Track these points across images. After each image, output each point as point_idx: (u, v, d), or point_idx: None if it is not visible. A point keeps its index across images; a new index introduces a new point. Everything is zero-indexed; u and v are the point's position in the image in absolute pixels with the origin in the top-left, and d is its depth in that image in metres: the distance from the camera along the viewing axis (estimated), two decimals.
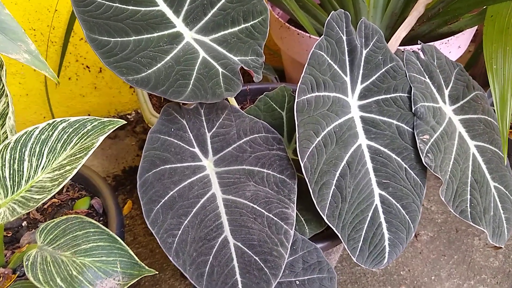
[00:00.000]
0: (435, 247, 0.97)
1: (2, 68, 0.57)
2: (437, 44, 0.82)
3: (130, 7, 0.54)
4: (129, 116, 1.30)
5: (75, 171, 0.46)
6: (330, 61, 0.55)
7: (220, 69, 0.54)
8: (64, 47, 1.10)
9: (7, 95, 0.57)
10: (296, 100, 0.51)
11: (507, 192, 0.64)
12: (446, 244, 0.98)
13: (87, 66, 1.19)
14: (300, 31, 0.86)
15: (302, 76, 0.52)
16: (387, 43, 0.88)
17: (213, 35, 0.57)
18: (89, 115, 1.29)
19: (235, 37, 0.57)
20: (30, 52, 0.50)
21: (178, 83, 0.51)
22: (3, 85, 0.57)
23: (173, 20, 0.56)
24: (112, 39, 0.51)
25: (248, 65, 0.55)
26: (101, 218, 0.69)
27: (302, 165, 0.51)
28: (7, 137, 0.57)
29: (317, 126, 0.53)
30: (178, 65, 0.53)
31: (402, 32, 0.71)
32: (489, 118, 0.66)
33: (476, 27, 0.87)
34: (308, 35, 0.85)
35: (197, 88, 0.52)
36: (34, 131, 0.51)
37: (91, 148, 0.47)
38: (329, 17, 0.55)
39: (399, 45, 0.73)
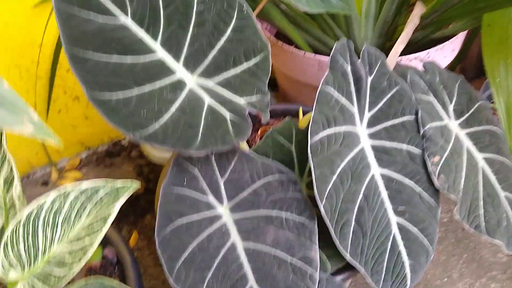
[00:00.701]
0: (444, 248, 0.97)
1: (2, 135, 0.55)
2: (432, 51, 0.82)
3: (129, 59, 0.52)
4: (123, 142, 1.28)
5: (95, 245, 0.45)
6: (337, 94, 0.54)
7: (228, 114, 0.53)
8: (51, 81, 1.08)
9: (9, 161, 0.56)
10: (309, 143, 0.50)
11: None
12: (454, 243, 0.99)
13: (76, 97, 1.17)
14: (294, 49, 0.85)
15: (312, 116, 0.52)
16: (382, 51, 0.88)
17: (216, 78, 0.55)
18: (82, 145, 1.27)
19: (239, 78, 0.55)
20: (33, 122, 0.48)
21: (187, 134, 0.50)
22: (4, 151, 0.55)
23: (173, 66, 0.54)
24: (114, 95, 0.49)
25: (255, 106, 0.54)
26: (115, 269, 0.68)
27: (321, 207, 0.50)
28: (13, 203, 0.56)
29: (332, 165, 0.52)
30: (184, 115, 0.51)
31: (399, 46, 0.71)
32: (494, 128, 0.66)
33: None
34: (303, 52, 0.84)
35: (206, 137, 0.51)
36: (45, 203, 0.50)
37: (108, 218, 0.46)
38: (333, 50, 0.54)
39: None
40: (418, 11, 0.73)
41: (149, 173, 1.22)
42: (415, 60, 0.81)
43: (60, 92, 1.13)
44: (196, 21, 0.55)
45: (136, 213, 1.12)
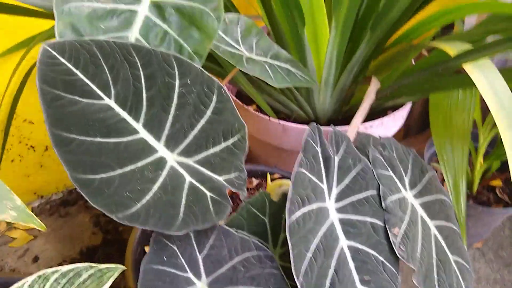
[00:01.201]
0: None
1: None
2: (385, 118, 0.89)
3: (112, 140, 0.54)
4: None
5: None
6: (309, 175, 0.59)
7: (208, 193, 0.56)
8: (7, 130, 1.05)
9: None
10: (287, 223, 0.54)
11: (463, 263, 0.72)
12: None
13: (31, 146, 1.14)
14: (259, 115, 0.89)
15: (289, 197, 0.55)
16: (339, 114, 0.95)
17: (196, 157, 0.58)
18: (35, 194, 1.22)
19: (218, 157, 0.58)
20: (16, 208, 0.48)
21: (168, 213, 0.52)
22: None
23: (154, 145, 0.56)
24: (98, 177, 0.51)
25: (233, 184, 0.57)
26: None
27: (298, 285, 0.53)
28: None
29: (307, 243, 0.56)
30: (166, 194, 0.53)
31: (358, 119, 0.77)
32: (443, 197, 0.74)
33: None
34: (268, 118, 0.88)
35: (187, 216, 0.53)
36: (23, 287, 0.49)
37: None
38: (305, 136, 0.59)
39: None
40: (374, 87, 0.80)
41: (107, 224, 1.20)
42: (371, 128, 0.88)
43: (15, 142, 1.10)
44: (177, 103, 0.57)
45: None
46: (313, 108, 0.97)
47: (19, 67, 0.96)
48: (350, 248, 0.61)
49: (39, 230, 1.18)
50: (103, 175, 0.51)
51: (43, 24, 0.91)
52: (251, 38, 0.84)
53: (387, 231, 0.64)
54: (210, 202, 0.55)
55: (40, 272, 0.50)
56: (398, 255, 0.63)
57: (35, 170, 1.18)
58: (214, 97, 0.59)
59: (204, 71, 0.60)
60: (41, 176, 1.20)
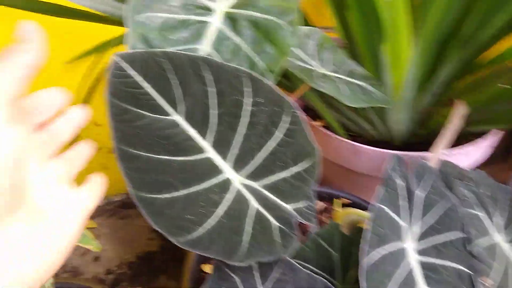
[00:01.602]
0: None
1: None
2: (471, 147, 0.81)
3: (179, 159, 0.50)
4: None
5: None
6: (389, 211, 0.53)
7: (275, 223, 0.51)
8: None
9: None
10: (362, 266, 0.49)
11: None
12: None
13: (98, 148, 1.15)
14: (329, 133, 0.84)
15: (366, 236, 0.50)
16: (415, 138, 0.87)
17: (264, 181, 0.54)
18: None
19: (287, 183, 0.54)
20: None
21: (231, 241, 0.48)
22: None
23: (221, 166, 0.53)
24: (160, 196, 0.48)
25: (302, 213, 0.53)
26: None
27: None
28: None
29: None
30: (230, 220, 0.50)
31: (441, 146, 0.70)
32: None
33: None
34: (339, 138, 0.83)
35: (252, 246, 0.49)
36: None
37: None
38: (387, 167, 0.53)
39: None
40: (460, 111, 0.72)
41: None
42: (454, 156, 0.80)
43: None
44: (247, 123, 0.53)
45: (150, 272, 1.09)
46: (388, 129, 0.90)
47: (90, 71, 0.97)
48: None
49: (100, 230, 1.20)
50: (167, 195, 0.48)
51: (114, 30, 0.91)
52: (324, 53, 0.79)
53: (473, 281, 0.57)
54: (277, 233, 0.51)
55: None
56: None
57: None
58: (286, 118, 0.54)
59: (276, 89, 0.56)
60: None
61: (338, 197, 0.81)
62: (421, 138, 0.91)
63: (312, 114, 0.95)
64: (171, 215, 0.47)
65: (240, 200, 0.52)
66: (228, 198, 0.51)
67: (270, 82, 0.56)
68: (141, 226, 1.21)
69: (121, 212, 1.25)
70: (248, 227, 0.50)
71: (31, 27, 0.34)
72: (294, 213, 0.53)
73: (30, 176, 0.34)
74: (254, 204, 0.52)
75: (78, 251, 1.14)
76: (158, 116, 0.50)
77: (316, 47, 0.79)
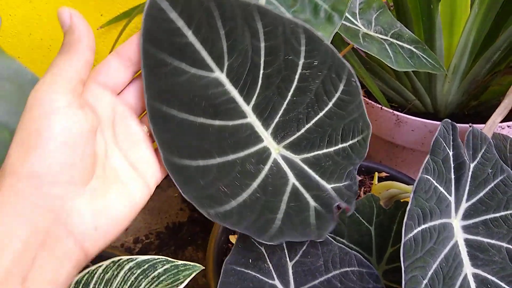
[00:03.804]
0: None
1: None
2: None
3: (217, 123, 0.43)
4: None
5: None
6: (436, 184, 0.47)
7: (312, 203, 0.45)
8: None
9: None
10: (402, 241, 0.43)
11: None
12: None
13: None
14: (370, 101, 0.77)
15: (408, 209, 0.44)
16: (466, 110, 0.80)
17: (305, 155, 0.47)
18: None
19: (330, 159, 0.47)
20: None
21: (264, 218, 0.42)
22: None
23: (261, 133, 0.46)
24: (194, 163, 0.41)
25: (342, 195, 0.46)
26: None
27: None
28: None
29: (424, 268, 0.45)
30: (265, 194, 0.43)
31: (497, 117, 0.62)
32: None
33: None
34: (380, 106, 0.76)
35: (284, 225, 0.43)
36: (97, 270, 0.45)
37: None
38: (436, 134, 0.47)
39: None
40: None
41: None
42: (509, 128, 0.72)
43: None
44: (296, 88, 0.46)
45: (178, 243, 1.07)
46: (434, 99, 0.83)
47: (120, 38, 0.95)
48: (476, 277, 0.49)
49: None
50: (201, 163, 0.41)
51: None
52: (370, 12, 0.72)
53: None
54: (312, 213, 0.45)
55: (116, 258, 0.46)
56: None
57: None
58: (341, 86, 0.47)
59: (336, 52, 0.47)
60: None
61: (377, 170, 0.75)
62: (472, 110, 0.83)
63: None
64: (203, 184, 0.40)
65: (278, 174, 0.45)
66: (265, 169, 0.45)
67: (338, 22, 0.50)
68: (172, 196, 1.19)
69: None
70: (283, 205, 0.44)
71: (77, 17, 0.35)
72: (334, 193, 0.47)
73: (99, 146, 0.36)
74: (291, 179, 0.46)
75: None
76: (200, 72, 0.42)
77: (362, 6, 0.72)
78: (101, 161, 0.35)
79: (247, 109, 0.45)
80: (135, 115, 0.40)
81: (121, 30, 0.94)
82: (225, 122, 0.43)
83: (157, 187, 1.22)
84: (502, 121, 0.71)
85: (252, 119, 0.45)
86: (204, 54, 0.41)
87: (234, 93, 0.44)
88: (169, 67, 0.40)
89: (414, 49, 0.68)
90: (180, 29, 0.40)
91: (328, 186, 0.46)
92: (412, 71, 0.80)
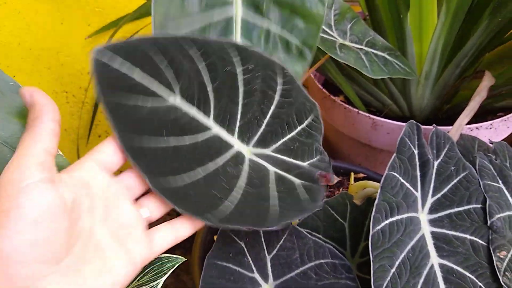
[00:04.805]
0: None
1: None
2: (496, 121, 0.77)
3: (187, 139, 0.46)
4: None
5: None
6: (402, 180, 0.51)
7: (297, 181, 0.49)
8: (95, 107, 1.08)
9: None
10: (371, 233, 0.47)
11: None
12: None
13: None
14: (347, 106, 0.81)
15: (376, 203, 0.48)
16: (439, 113, 0.84)
17: (273, 146, 0.52)
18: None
19: (296, 142, 0.52)
20: None
21: (260, 208, 0.45)
22: None
23: (229, 140, 0.50)
24: (180, 180, 0.44)
25: (318, 167, 0.51)
26: None
27: None
28: None
29: (391, 258, 0.48)
30: (253, 187, 0.47)
31: (464, 119, 0.66)
32: None
33: None
34: (356, 110, 0.80)
35: (281, 208, 0.46)
36: None
37: None
38: (402, 134, 0.51)
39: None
40: (487, 83, 0.68)
41: None
42: (477, 130, 0.76)
43: (102, 118, 1.13)
44: (244, 91, 0.51)
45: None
46: (409, 104, 0.87)
47: None
48: (442, 267, 0.53)
49: None
50: (186, 178, 0.44)
51: (131, 5, 0.91)
52: (345, 23, 0.76)
53: (490, 254, 0.54)
54: (301, 189, 0.49)
55: None
56: (502, 283, 0.53)
57: None
58: (280, 79, 0.52)
59: (264, 54, 0.53)
60: None
61: (354, 172, 0.78)
62: (445, 114, 0.87)
63: (332, 89, 0.92)
64: (195, 196, 0.44)
65: (257, 168, 0.49)
66: (245, 169, 0.49)
67: (257, 48, 0.54)
68: None
69: None
70: (273, 192, 0.48)
71: (38, 94, 0.36)
72: (312, 167, 0.51)
73: (82, 221, 0.35)
74: (271, 168, 0.50)
75: None
76: (156, 103, 0.45)
77: (337, 17, 0.77)
78: (84, 237, 0.34)
79: (209, 122, 0.48)
80: (130, 196, 0.40)
81: (108, 40, 0.97)
82: (194, 138, 0.47)
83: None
84: (470, 123, 0.75)
85: (216, 129, 0.49)
86: (155, 86, 0.45)
87: (193, 111, 0.47)
88: (127, 106, 0.43)
89: (387, 56, 0.72)
90: (126, 74, 0.43)
91: (305, 164, 0.50)
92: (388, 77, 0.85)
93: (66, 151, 1.10)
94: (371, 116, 0.79)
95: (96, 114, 1.09)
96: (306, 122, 0.53)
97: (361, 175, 0.78)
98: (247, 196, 0.46)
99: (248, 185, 0.47)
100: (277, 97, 0.52)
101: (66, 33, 0.95)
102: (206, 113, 0.49)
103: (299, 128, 0.53)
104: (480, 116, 0.80)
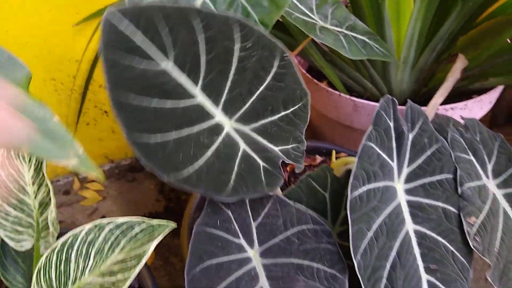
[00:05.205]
0: None
1: (42, 159, 0.56)
2: (470, 102, 0.81)
3: (169, 103, 0.51)
4: None
5: (128, 282, 0.45)
6: (379, 150, 0.54)
7: (261, 163, 0.53)
8: (84, 95, 1.09)
9: (47, 185, 0.56)
10: (349, 198, 0.50)
11: None
12: None
13: (105, 112, 1.18)
14: (329, 89, 0.85)
15: (353, 171, 0.51)
16: (417, 96, 0.88)
17: (253, 125, 0.55)
18: (106, 157, 1.28)
19: (276, 126, 0.55)
20: (78, 156, 0.49)
21: (219, 180, 0.50)
22: (44, 175, 0.56)
23: (212, 111, 0.54)
24: (153, 138, 0.49)
25: (289, 155, 0.54)
26: None
27: (355, 263, 0.50)
28: (46, 226, 0.56)
29: (369, 221, 0.52)
30: (219, 160, 0.51)
31: (439, 98, 0.70)
32: None
33: None
34: (338, 93, 0.84)
35: (238, 184, 0.50)
36: (81, 233, 0.50)
37: (143, 257, 0.46)
38: (378, 107, 0.54)
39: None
40: (460, 65, 0.72)
41: (170, 192, 1.23)
42: (452, 110, 0.80)
43: (91, 106, 1.15)
44: (236, 68, 0.54)
45: None
46: (389, 87, 0.91)
47: (96, 34, 0.99)
48: (417, 232, 0.56)
49: (108, 192, 1.23)
50: (159, 138, 0.49)
51: None
52: (326, 8, 0.79)
53: (461, 220, 0.58)
54: (262, 172, 0.52)
55: (97, 222, 0.51)
56: (472, 247, 0.57)
57: (107, 134, 1.23)
58: (276, 62, 0.55)
59: (267, 34, 0.56)
60: (113, 141, 1.24)
61: (337, 151, 0.82)
62: (423, 97, 0.91)
63: (316, 75, 0.95)
64: (163, 156, 0.48)
65: (229, 143, 0.53)
66: (218, 141, 0.52)
67: (260, 27, 0.57)
68: (148, 188, 1.24)
69: (128, 175, 1.28)
70: (235, 168, 0.51)
71: None
72: (281, 154, 0.54)
73: None
74: (242, 146, 0.53)
75: (86, 212, 1.18)
76: (149, 65, 0.50)
77: (319, 2, 0.80)
78: None
79: (196, 90, 0.52)
80: None
81: (96, 27, 0.99)
82: (176, 103, 0.51)
83: (134, 180, 1.30)
84: (446, 103, 0.79)
85: (201, 99, 0.52)
86: (151, 51, 0.49)
87: (183, 78, 0.51)
88: (124, 63, 0.48)
89: (367, 40, 0.76)
90: (128, 36, 0.48)
91: (276, 149, 0.54)
92: (368, 61, 0.88)
93: None
94: (352, 98, 0.83)
95: (84, 102, 1.11)
96: (291, 109, 0.56)
97: (343, 154, 0.82)
98: (210, 166, 0.50)
99: (215, 156, 0.51)
100: (268, 79, 0.55)
101: (54, 21, 0.96)
102: (195, 81, 0.52)
103: (282, 113, 0.56)
104: (457, 98, 0.84)
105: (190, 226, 0.78)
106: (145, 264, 0.69)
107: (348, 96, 0.83)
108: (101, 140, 1.23)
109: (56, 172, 1.22)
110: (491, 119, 1.26)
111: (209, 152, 0.51)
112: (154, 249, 1.09)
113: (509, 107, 1.24)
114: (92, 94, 1.13)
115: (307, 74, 0.90)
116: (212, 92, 0.53)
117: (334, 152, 0.72)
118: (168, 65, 0.51)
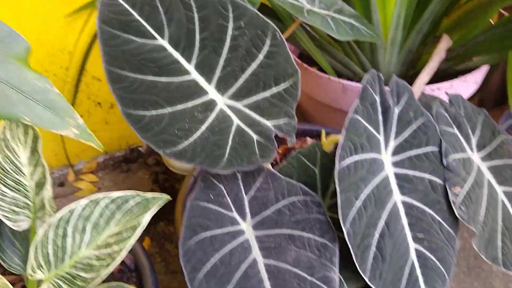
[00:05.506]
0: (455, 275, 0.98)
1: (38, 140, 0.57)
2: (455, 82, 0.83)
3: (164, 79, 0.54)
4: (140, 149, 1.30)
5: (124, 252, 0.47)
6: (365, 123, 0.56)
7: (255, 137, 0.55)
8: (77, 87, 1.10)
9: (43, 166, 0.57)
10: (337, 168, 0.52)
11: None
12: (466, 272, 0.99)
13: (98, 103, 1.19)
14: (319, 73, 0.86)
15: (341, 142, 0.53)
16: (405, 78, 0.90)
17: (246, 101, 0.57)
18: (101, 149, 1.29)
19: (267, 102, 0.57)
20: (78, 126, 0.50)
21: (214, 154, 0.52)
22: (39, 155, 0.57)
23: (205, 87, 0.56)
24: (148, 113, 0.52)
25: (281, 129, 0.56)
26: (133, 274, 0.69)
27: (344, 231, 0.51)
28: (43, 206, 0.58)
29: (357, 191, 0.53)
30: (213, 135, 0.53)
31: (425, 77, 0.72)
32: None
33: None
34: (328, 76, 0.85)
35: (232, 157, 0.52)
36: (76, 208, 0.52)
37: (138, 228, 0.47)
38: (364, 81, 0.56)
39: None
40: (444, 44, 0.74)
41: (165, 181, 1.24)
42: (438, 90, 0.82)
43: (84, 97, 1.16)
44: (229, 46, 0.57)
45: (150, 220, 1.13)
46: (377, 70, 0.92)
47: (88, 25, 1.00)
48: (405, 203, 0.58)
49: (102, 183, 1.24)
50: (153, 113, 0.52)
51: None
52: None
53: (447, 191, 0.59)
54: (256, 145, 0.54)
55: (92, 197, 0.52)
56: (457, 216, 0.58)
57: (101, 126, 1.23)
58: (268, 40, 0.58)
59: (260, 14, 0.59)
60: (106, 132, 1.25)
61: (327, 133, 0.83)
62: (410, 80, 0.93)
63: (307, 61, 0.97)
64: (158, 130, 0.51)
65: (223, 118, 0.55)
66: (212, 116, 0.55)
67: (253, 8, 0.59)
68: (142, 178, 1.25)
69: (123, 166, 1.29)
70: (229, 141, 0.54)
71: None
72: (273, 128, 0.56)
73: None
74: (236, 121, 0.55)
75: None
76: (145, 40, 0.54)
77: None
78: None
79: (189, 67, 0.55)
80: None
81: (87, 19, 1.00)
82: (171, 79, 0.54)
83: (128, 170, 1.31)
84: (432, 83, 0.81)
85: (195, 75, 0.55)
86: (147, 26, 0.53)
87: (177, 55, 0.55)
88: (119, 39, 0.52)
89: (354, 22, 0.78)
90: (127, 10, 0.52)
91: (268, 123, 0.56)
92: (356, 44, 0.90)
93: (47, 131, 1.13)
94: (341, 80, 0.84)
95: (77, 94, 1.12)
96: (283, 86, 0.58)
97: (333, 135, 0.84)
98: (205, 140, 0.52)
99: (209, 131, 0.53)
100: (260, 56, 0.57)
101: (46, 13, 0.97)
102: (189, 58, 0.55)
103: (274, 90, 0.58)
104: (443, 80, 0.86)
105: (184, 209, 0.79)
106: (142, 245, 0.70)
107: (337, 79, 0.85)
108: (95, 131, 1.22)
109: (51, 164, 1.23)
110: (479, 104, 1.28)
111: (203, 127, 0.53)
112: (150, 236, 1.10)
113: (496, 92, 1.26)
114: (85, 85, 1.14)
115: (297, 59, 0.91)
116: (206, 69, 0.56)
117: (323, 131, 0.74)
118: (163, 42, 0.54)
